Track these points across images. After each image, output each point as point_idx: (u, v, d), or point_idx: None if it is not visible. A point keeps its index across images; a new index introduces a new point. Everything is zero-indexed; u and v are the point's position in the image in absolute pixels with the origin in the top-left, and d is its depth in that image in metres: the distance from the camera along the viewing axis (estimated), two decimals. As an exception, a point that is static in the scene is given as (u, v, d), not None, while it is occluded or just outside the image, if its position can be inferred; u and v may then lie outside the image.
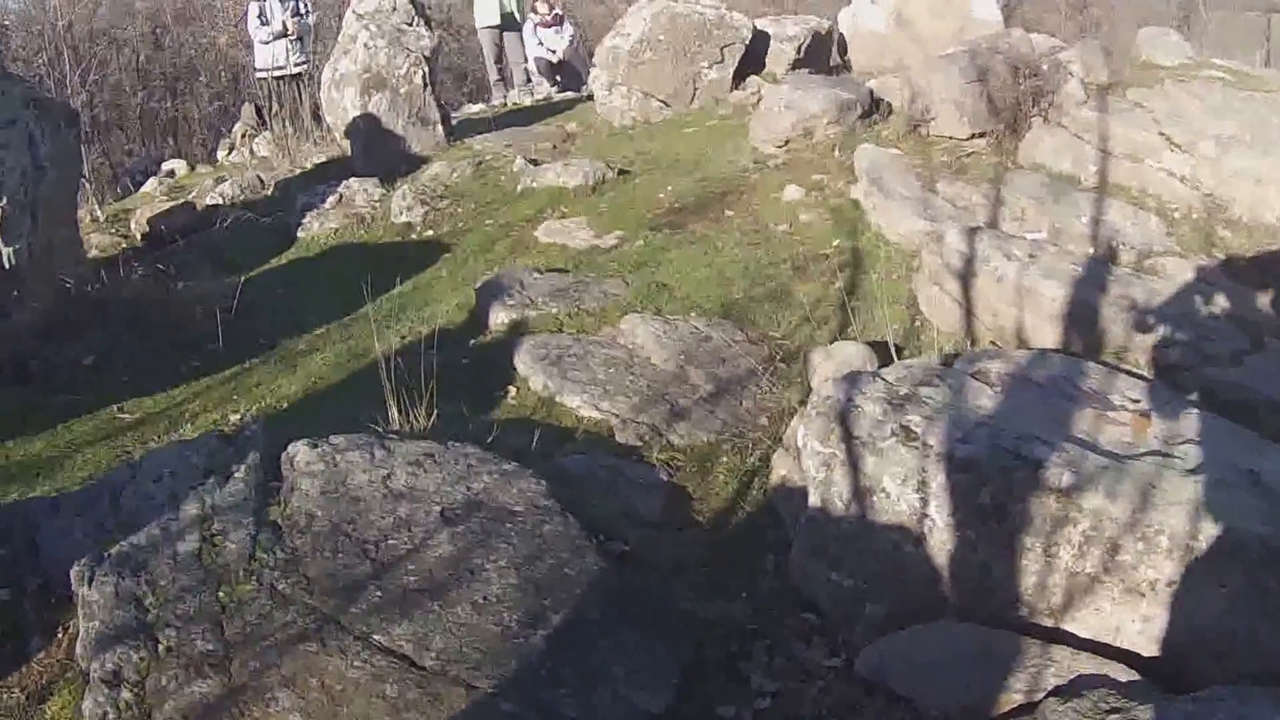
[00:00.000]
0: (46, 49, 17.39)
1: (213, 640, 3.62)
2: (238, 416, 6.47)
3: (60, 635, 4.06)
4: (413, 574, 3.91)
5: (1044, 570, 3.54)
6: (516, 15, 15.83)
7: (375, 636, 3.59)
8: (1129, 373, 4.88)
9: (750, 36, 12.18)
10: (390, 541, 4.08)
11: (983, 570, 3.67)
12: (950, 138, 8.63)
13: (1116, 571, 3.42)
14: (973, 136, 8.52)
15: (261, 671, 3.47)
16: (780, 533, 4.72)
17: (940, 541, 3.74)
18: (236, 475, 4.48)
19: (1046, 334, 6.01)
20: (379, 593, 3.80)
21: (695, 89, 12.02)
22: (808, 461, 4.12)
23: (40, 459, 6.11)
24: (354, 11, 12.24)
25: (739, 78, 12.13)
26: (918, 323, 6.78)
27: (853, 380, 4.25)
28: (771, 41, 12.48)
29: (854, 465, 3.94)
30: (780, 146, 9.48)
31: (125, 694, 3.48)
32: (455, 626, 3.65)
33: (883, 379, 4.24)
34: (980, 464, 3.66)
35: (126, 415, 6.70)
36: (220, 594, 3.83)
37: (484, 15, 15.81)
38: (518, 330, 7.09)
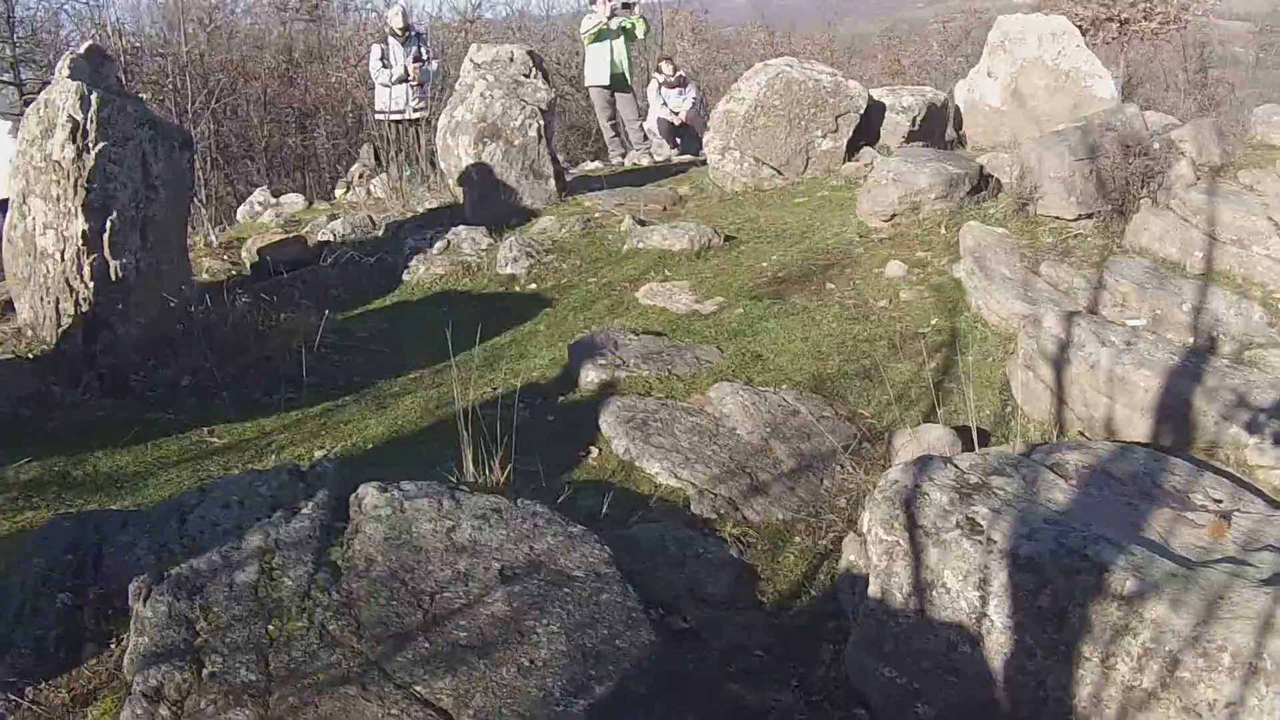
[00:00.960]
0: (177, 75, 17.86)
1: (256, 671, 3.65)
2: (322, 452, 6.52)
3: (113, 646, 4.13)
4: (463, 629, 3.88)
5: (1100, 682, 3.40)
6: (628, 76, 15.86)
7: (417, 687, 3.58)
8: (1216, 470, 4.72)
9: (865, 106, 12.14)
10: (446, 594, 4.06)
11: (1038, 678, 3.54)
12: (1057, 218, 8.49)
13: (1175, 688, 3.26)
14: (1080, 217, 8.37)
15: (299, 708, 3.48)
16: (842, 621, 4.63)
17: (997, 644, 3.62)
18: (303, 511, 4.52)
19: (1137, 426, 5.85)
20: (427, 644, 3.78)
21: (808, 158, 11.98)
22: (871, 549, 4.03)
23: (125, 474, 6.22)
24: (471, 60, 12.40)
25: (852, 149, 12.09)
26: (1009, 409, 6.66)
27: (922, 465, 4.14)
28: (887, 113, 12.46)
29: (916, 556, 3.84)
30: (886, 220, 9.41)
31: (163, 710, 3.53)
32: (498, 686, 3.61)
33: (954, 466, 4.13)
34: (1043, 564, 3.52)
35: (215, 440, 6.79)
36: (270, 627, 3.85)
37: (595, 75, 15.82)
38: (607, 390, 7.06)
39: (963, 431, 5.90)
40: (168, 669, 3.65)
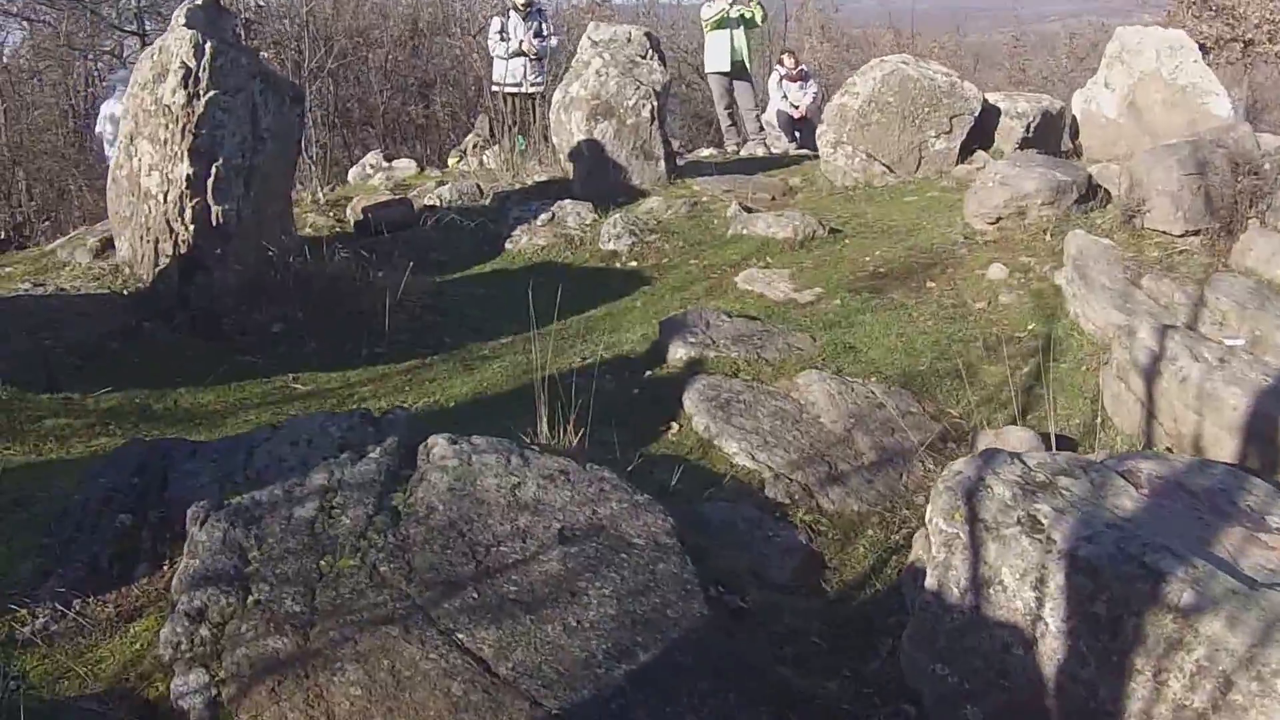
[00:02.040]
0: (299, 37, 18.12)
1: (301, 604, 3.67)
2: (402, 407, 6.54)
3: (165, 568, 4.21)
4: (514, 584, 3.85)
5: (1151, 698, 3.22)
6: (747, 64, 15.77)
7: (459, 635, 3.56)
8: (1300, 495, 4.50)
9: (980, 109, 11.92)
10: (502, 549, 4.04)
11: (1090, 688, 3.37)
12: (1164, 233, 8.24)
13: (1226, 711, 3.06)
14: (1186, 234, 8.09)
15: (338, 643, 3.50)
16: (904, 617, 4.48)
17: (1050, 649, 3.47)
18: (371, 455, 4.53)
19: (1225, 446, 5.63)
20: (475, 595, 3.76)
21: (921, 157, 11.80)
22: (931, 539, 3.91)
23: (205, 411, 6.32)
24: (589, 38, 12.44)
25: (965, 151, 11.88)
26: (1099, 420, 6.46)
27: (988, 458, 4.00)
28: (1001, 117, 12.23)
29: (975, 550, 3.70)
30: (992, 223, 9.23)
31: (204, 631, 3.60)
32: (541, 643, 3.58)
33: (1021, 462, 3.97)
34: (1101, 568, 3.36)
35: (299, 386, 6.88)
36: (322, 563, 3.87)
37: (714, 61, 15.76)
38: (694, 368, 7.01)
39: (1049, 439, 5.76)
40: (214, 592, 3.70)
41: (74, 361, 6.81)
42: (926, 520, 4.02)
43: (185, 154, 7.37)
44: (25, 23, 20.81)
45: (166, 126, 7.37)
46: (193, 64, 7.40)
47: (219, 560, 3.83)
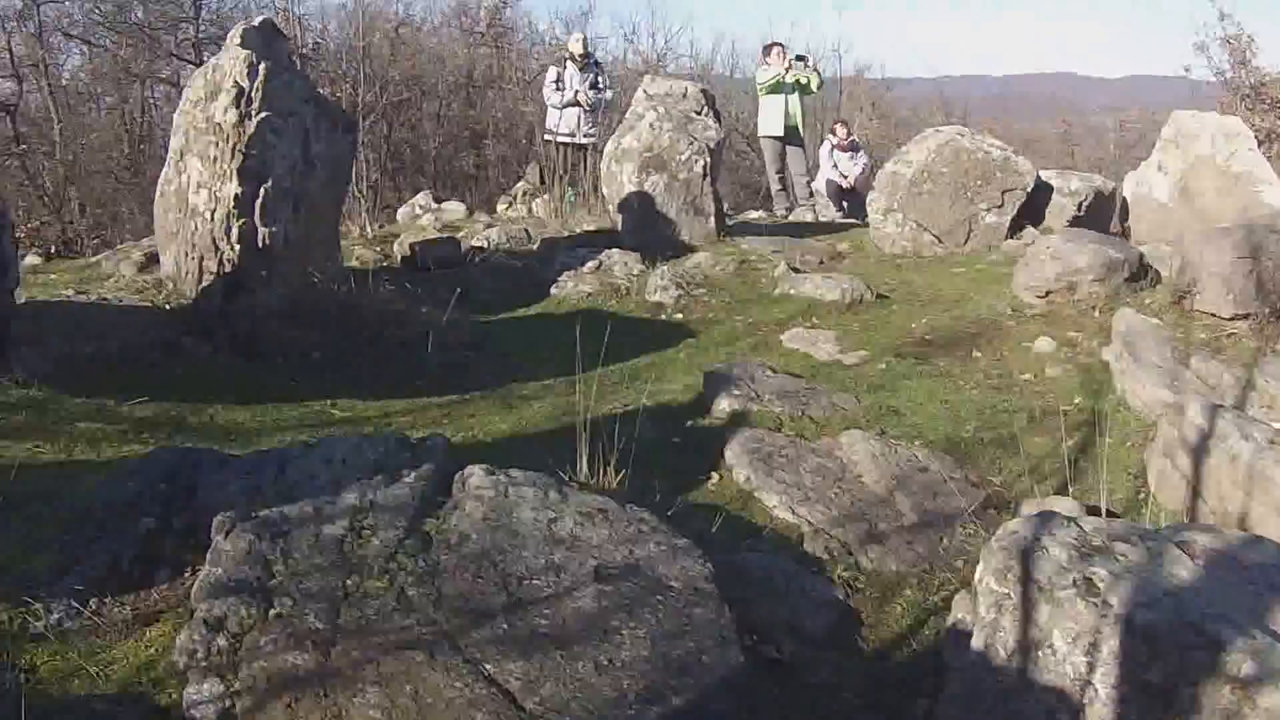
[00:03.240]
0: (355, 77, 18.29)
1: (324, 621, 3.58)
2: (441, 439, 6.47)
3: (187, 575, 4.16)
4: (546, 618, 3.74)
5: None
6: (800, 129, 15.80)
7: (486, 665, 3.43)
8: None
9: (1033, 185, 11.82)
10: (534, 582, 3.93)
11: (1136, 761, 3.24)
12: (1213, 315, 8.13)
13: None
14: (1235, 317, 7.98)
15: (360, 663, 3.39)
16: (940, 678, 4.37)
17: (1098, 716, 3.32)
18: (405, 479, 4.46)
19: (1271, 526, 5.45)
20: (505, 626, 3.65)
21: (970, 230, 11.69)
22: (980, 600, 3.76)
23: (240, 429, 6.27)
24: (645, 90, 12.48)
25: (1016, 226, 11.77)
26: (1142, 496, 6.33)
27: (1044, 519, 3.87)
28: (1054, 195, 12.11)
29: (1026, 612, 3.56)
30: (1041, 297, 9.12)
31: (221, 640, 3.50)
32: (570, 679, 3.45)
33: (1078, 525, 3.85)
34: (1159, 635, 3.25)
35: (336, 412, 6.83)
36: (348, 582, 3.78)
37: (768, 125, 15.83)
38: (738, 420, 6.92)
39: (1093, 511, 5.61)
40: (235, 602, 3.61)
41: (111, 369, 6.80)
42: (975, 580, 3.88)
43: (234, 173, 7.38)
44: (85, 46, 21.08)
45: (217, 144, 7.38)
46: (246, 84, 7.42)
47: (242, 571, 3.75)
